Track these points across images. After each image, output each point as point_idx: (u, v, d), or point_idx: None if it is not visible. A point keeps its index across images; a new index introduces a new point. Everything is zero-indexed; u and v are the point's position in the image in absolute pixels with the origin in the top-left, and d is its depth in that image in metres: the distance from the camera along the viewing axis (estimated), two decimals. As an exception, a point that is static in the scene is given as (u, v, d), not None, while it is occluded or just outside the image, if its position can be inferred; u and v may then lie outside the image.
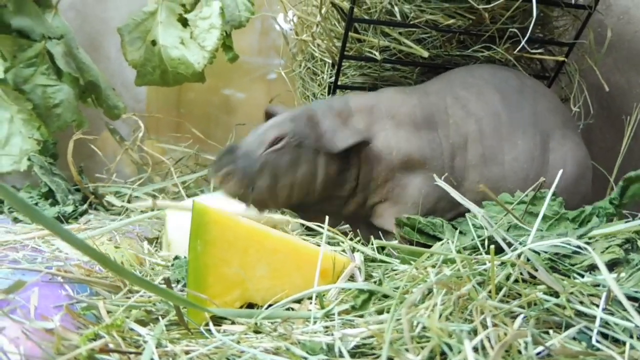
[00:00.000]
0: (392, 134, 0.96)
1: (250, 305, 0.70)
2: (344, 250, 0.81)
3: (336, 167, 0.94)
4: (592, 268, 0.70)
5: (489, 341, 0.53)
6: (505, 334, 0.52)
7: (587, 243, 0.75)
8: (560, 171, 0.77)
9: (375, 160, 0.95)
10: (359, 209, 0.99)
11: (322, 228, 0.77)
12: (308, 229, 0.99)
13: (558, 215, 0.82)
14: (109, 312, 0.64)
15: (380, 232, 0.98)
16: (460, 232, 0.82)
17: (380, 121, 0.97)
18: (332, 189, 0.95)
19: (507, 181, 0.96)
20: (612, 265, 0.71)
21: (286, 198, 0.94)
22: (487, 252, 0.68)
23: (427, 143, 0.96)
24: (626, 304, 0.52)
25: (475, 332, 0.54)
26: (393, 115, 0.97)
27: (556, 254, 0.71)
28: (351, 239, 0.85)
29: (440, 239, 0.82)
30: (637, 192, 0.81)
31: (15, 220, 1.00)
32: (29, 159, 1.27)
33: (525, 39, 0.98)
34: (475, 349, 0.53)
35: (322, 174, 0.93)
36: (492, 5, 1.00)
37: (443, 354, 0.52)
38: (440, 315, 0.55)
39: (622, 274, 0.67)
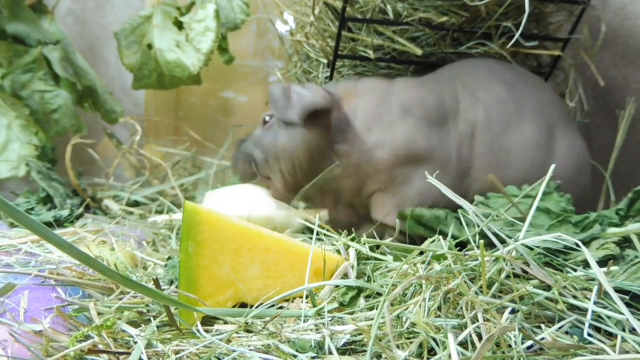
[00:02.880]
0: (397, 119, 0.94)
1: (244, 305, 0.70)
2: (338, 250, 0.80)
3: (318, 136, 0.95)
4: (587, 263, 0.70)
5: (480, 336, 0.53)
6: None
7: (587, 241, 0.75)
8: (553, 166, 0.76)
9: (378, 144, 0.94)
10: (354, 197, 0.99)
11: (315, 226, 0.76)
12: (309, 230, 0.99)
13: (565, 213, 0.80)
14: (100, 313, 0.64)
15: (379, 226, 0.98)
16: (466, 224, 0.81)
17: (391, 106, 0.96)
18: (319, 161, 0.96)
19: (514, 169, 0.95)
20: (607, 261, 0.71)
21: (280, 173, 0.98)
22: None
23: (436, 136, 0.94)
24: (614, 296, 0.52)
25: (466, 327, 0.53)
26: (403, 100, 0.96)
27: (554, 250, 0.71)
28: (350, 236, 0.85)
29: (444, 232, 0.81)
30: None
31: (12, 225, 1.01)
32: (27, 165, 1.28)
33: (519, 33, 0.98)
34: (465, 344, 0.53)
35: (304, 144, 0.94)
36: (484, 2, 1.00)
37: (432, 349, 0.52)
38: (429, 311, 0.55)
39: (615, 268, 0.67)
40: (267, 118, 1.01)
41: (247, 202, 0.99)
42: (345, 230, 1.00)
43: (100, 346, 0.55)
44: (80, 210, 1.11)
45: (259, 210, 0.97)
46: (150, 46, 1.39)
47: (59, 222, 1.03)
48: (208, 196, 1.03)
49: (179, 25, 1.40)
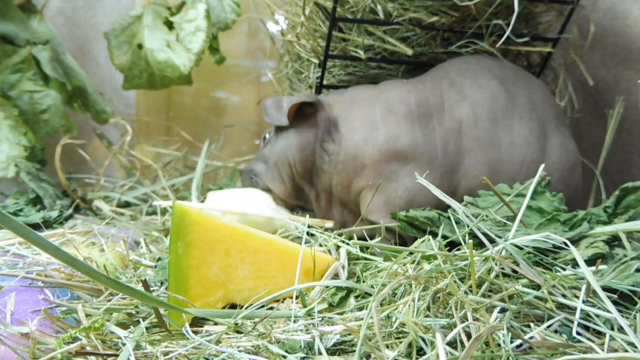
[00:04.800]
0: (380, 118, 0.97)
1: (234, 306, 0.70)
2: (329, 251, 0.80)
3: (307, 136, 1.00)
4: (576, 263, 0.70)
5: (469, 336, 0.53)
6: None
7: (575, 240, 0.75)
8: (542, 165, 0.76)
9: (363, 142, 0.96)
10: (345, 195, 1.00)
11: (304, 224, 0.76)
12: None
13: (554, 212, 0.80)
14: (88, 315, 0.63)
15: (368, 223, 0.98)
16: (457, 223, 0.81)
17: (375, 107, 0.98)
18: (311, 161, 1.01)
19: (504, 165, 0.95)
20: (596, 260, 0.71)
21: (280, 179, 1.03)
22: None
23: (421, 132, 0.95)
24: (602, 294, 0.52)
25: (455, 327, 0.53)
26: (385, 99, 0.98)
27: (543, 249, 0.71)
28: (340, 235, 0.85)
29: (436, 234, 0.81)
30: (632, 204, 0.80)
31: None
32: (16, 166, 1.27)
33: (510, 29, 0.98)
34: (454, 344, 0.53)
35: (296, 144, 1.00)
36: (474, 1, 1.00)
37: (422, 349, 0.52)
38: (419, 311, 0.55)
39: (604, 266, 0.67)
40: (267, 136, 1.08)
41: (248, 203, 1.00)
42: (336, 230, 1.01)
43: (88, 348, 0.54)
44: (70, 211, 1.10)
45: (259, 211, 0.98)
46: (140, 46, 1.38)
47: (48, 224, 1.02)
48: (209, 196, 1.05)
49: (170, 25, 1.39)
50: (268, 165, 1.06)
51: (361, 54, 1.12)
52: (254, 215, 0.98)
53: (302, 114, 1.01)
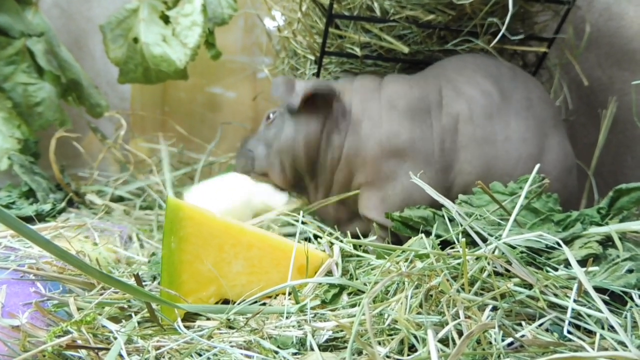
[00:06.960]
0: (384, 113, 0.96)
1: (227, 302, 0.70)
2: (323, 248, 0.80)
3: (316, 126, 0.97)
4: (569, 262, 0.70)
5: (461, 334, 0.53)
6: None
7: (568, 240, 0.75)
8: (538, 165, 0.76)
9: (365, 137, 0.95)
10: (344, 192, 1.00)
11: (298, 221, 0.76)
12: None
13: (548, 213, 0.80)
14: (80, 309, 0.63)
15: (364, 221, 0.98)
16: (451, 221, 0.81)
17: (380, 100, 0.98)
18: (316, 153, 0.98)
19: (499, 161, 0.94)
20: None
21: (280, 167, 0.99)
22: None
23: (419, 129, 0.95)
24: (593, 294, 0.52)
25: (447, 324, 0.54)
26: (390, 93, 0.98)
27: (536, 249, 0.71)
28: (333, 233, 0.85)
29: (431, 233, 0.81)
30: (625, 205, 0.80)
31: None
32: (9, 158, 1.26)
33: (504, 27, 0.98)
34: (446, 341, 0.53)
35: (303, 134, 0.96)
36: (470, 0, 1.00)
37: (413, 346, 0.52)
38: (411, 308, 0.55)
39: (596, 267, 0.67)
40: (271, 115, 1.03)
41: (227, 193, 0.99)
42: (331, 227, 1.01)
43: (79, 341, 0.54)
44: (63, 204, 1.09)
45: (237, 198, 0.97)
46: (136, 40, 1.38)
47: (41, 217, 1.02)
48: (191, 191, 1.03)
49: (166, 19, 1.39)
50: (270, 151, 1.01)
51: (357, 51, 1.12)
52: (234, 205, 0.97)
53: (314, 102, 0.96)
